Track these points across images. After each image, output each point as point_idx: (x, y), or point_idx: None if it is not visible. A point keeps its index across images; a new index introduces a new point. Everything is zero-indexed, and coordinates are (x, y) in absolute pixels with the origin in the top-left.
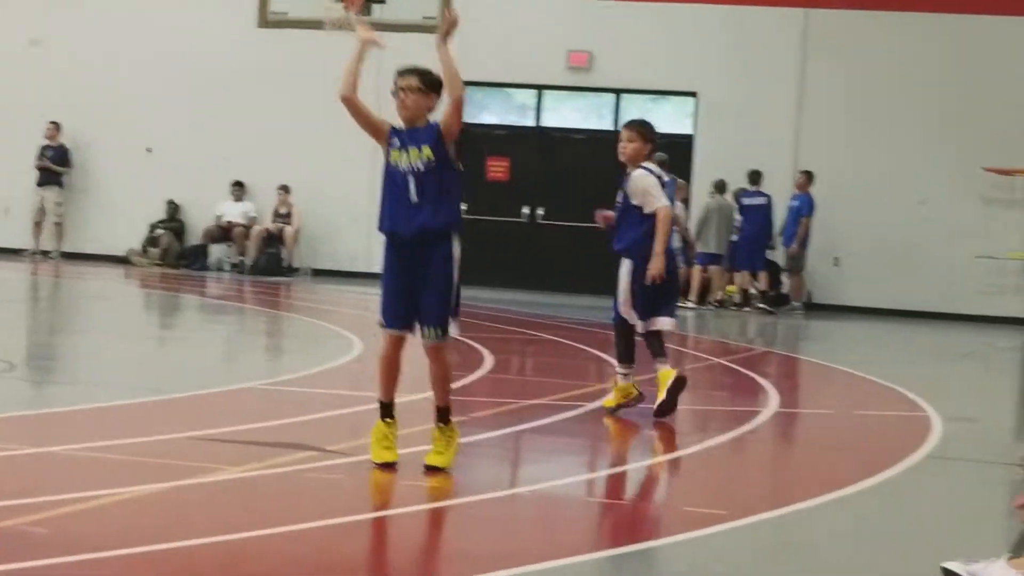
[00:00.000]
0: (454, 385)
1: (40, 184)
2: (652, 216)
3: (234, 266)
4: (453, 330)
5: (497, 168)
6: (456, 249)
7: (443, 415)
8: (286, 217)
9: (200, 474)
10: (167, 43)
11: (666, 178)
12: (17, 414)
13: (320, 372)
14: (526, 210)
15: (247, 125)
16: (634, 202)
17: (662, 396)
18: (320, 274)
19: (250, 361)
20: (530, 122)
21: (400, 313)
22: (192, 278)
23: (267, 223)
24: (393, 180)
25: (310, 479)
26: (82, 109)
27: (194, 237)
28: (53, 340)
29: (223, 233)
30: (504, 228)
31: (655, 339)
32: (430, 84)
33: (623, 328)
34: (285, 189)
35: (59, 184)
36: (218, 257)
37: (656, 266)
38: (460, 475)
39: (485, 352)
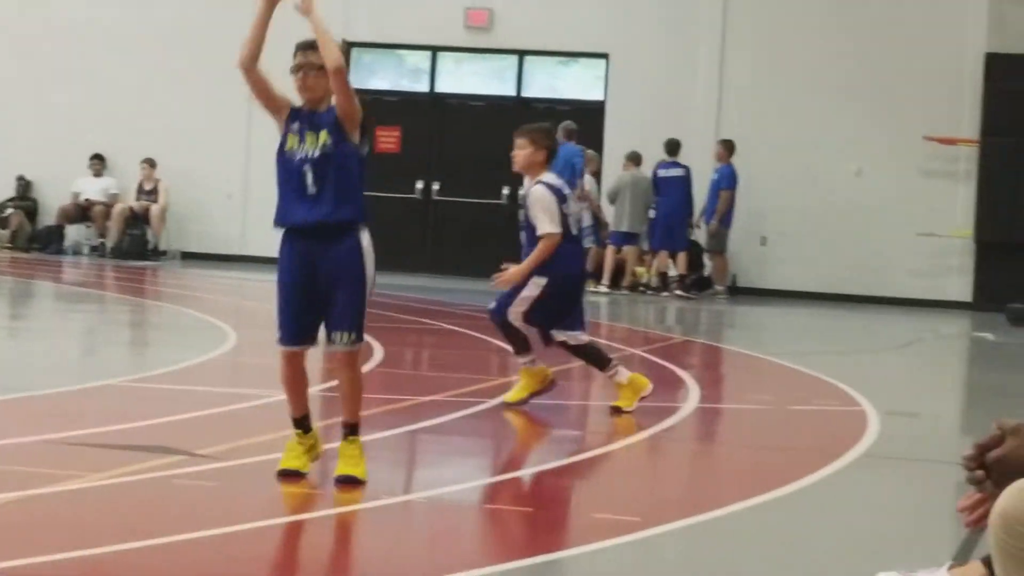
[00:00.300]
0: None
1: None
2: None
3: (94, 249)
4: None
5: (387, 139)
6: (365, 240)
7: (353, 431)
8: (151, 194)
9: (58, 482)
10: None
11: (566, 191)
12: None
13: (191, 367)
14: (420, 185)
15: (107, 92)
16: (531, 219)
17: (632, 405)
18: (190, 257)
19: (112, 355)
20: (423, 88)
21: (300, 325)
22: (47, 263)
23: (130, 201)
24: (287, 169)
25: (180, 486)
26: None
27: (48, 217)
28: None
29: (81, 212)
30: (395, 205)
31: (589, 352)
32: None
33: (505, 322)
34: (150, 163)
35: None
36: (76, 239)
37: (509, 277)
38: None
39: (375, 343)
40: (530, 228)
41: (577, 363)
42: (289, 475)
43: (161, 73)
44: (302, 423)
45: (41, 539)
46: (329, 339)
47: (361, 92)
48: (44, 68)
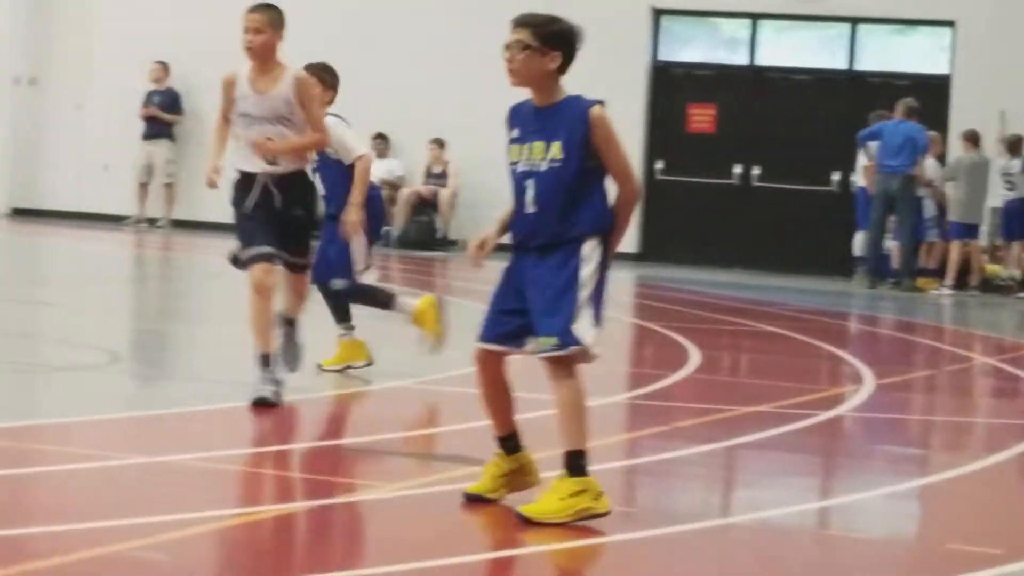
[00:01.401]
0: (652, 387)
1: (146, 137)
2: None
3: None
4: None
5: (702, 117)
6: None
7: (574, 464)
8: (440, 177)
9: (347, 492)
10: None
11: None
12: (121, 415)
13: None
14: (738, 169)
15: (391, 65)
16: (333, 156)
17: (436, 329)
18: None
19: (401, 354)
20: (743, 60)
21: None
22: None
23: (417, 185)
24: (511, 178)
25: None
26: (194, 46)
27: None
28: (163, 327)
29: None
30: (711, 192)
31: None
32: (548, 38)
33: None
34: (439, 143)
35: (169, 137)
36: None
37: (352, 217)
38: (662, 500)
39: (690, 347)
40: (325, 165)
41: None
42: (475, 500)
43: (450, 44)
44: (505, 442)
45: (328, 554)
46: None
47: (673, 64)
48: (323, 41)
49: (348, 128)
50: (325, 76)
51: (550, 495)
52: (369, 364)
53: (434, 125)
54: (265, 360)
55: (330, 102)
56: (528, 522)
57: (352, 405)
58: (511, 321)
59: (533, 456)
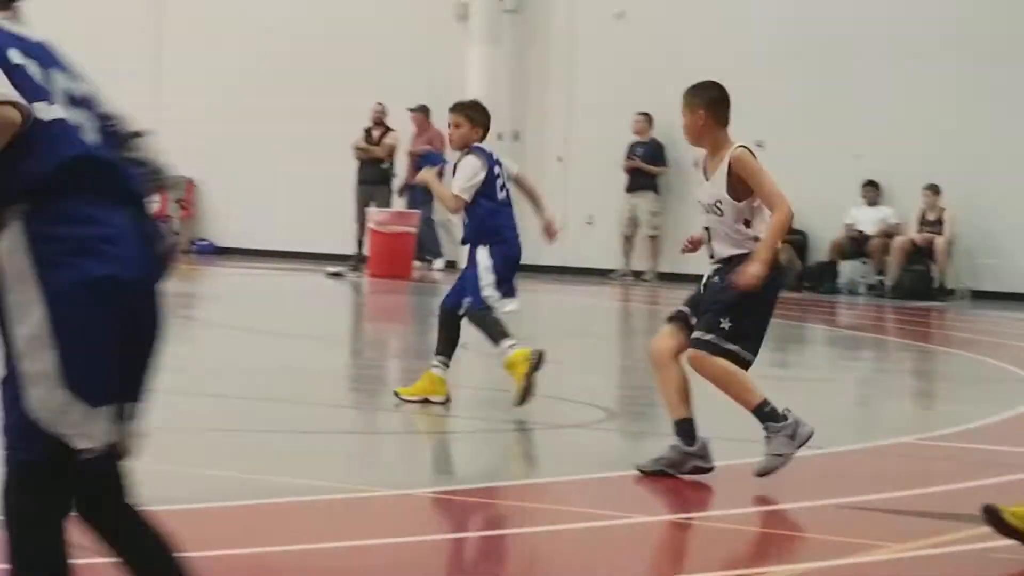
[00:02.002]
0: None
1: (630, 189)
2: (500, 200)
3: (871, 288)
4: None
5: None
6: None
7: None
8: (935, 225)
9: (856, 552)
10: (787, 9)
11: (497, 156)
12: (618, 473)
13: (994, 424)
14: None
15: (882, 108)
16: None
17: (522, 383)
18: (982, 297)
19: (898, 409)
20: None
21: None
22: (819, 303)
23: (912, 233)
24: None
25: (997, 561)
26: (673, 97)
27: (819, 252)
28: (652, 382)
29: (855, 246)
30: None
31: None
32: None
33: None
34: (933, 190)
35: (653, 189)
36: (851, 276)
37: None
38: None
39: None
40: (482, 202)
41: None
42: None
43: (945, 89)
44: None
45: None
46: None
47: None
48: (811, 83)
49: (471, 171)
50: (474, 115)
51: None
52: (446, 401)
53: (929, 171)
54: (681, 427)
55: (480, 139)
56: None
57: (852, 461)
58: None
59: None
